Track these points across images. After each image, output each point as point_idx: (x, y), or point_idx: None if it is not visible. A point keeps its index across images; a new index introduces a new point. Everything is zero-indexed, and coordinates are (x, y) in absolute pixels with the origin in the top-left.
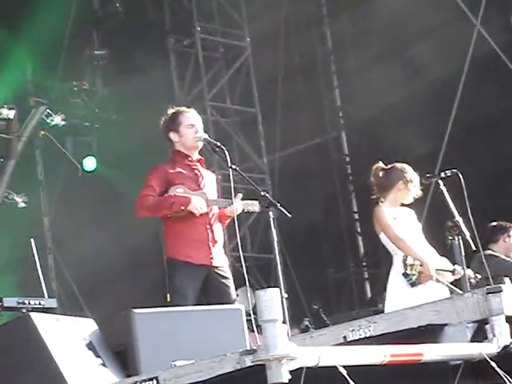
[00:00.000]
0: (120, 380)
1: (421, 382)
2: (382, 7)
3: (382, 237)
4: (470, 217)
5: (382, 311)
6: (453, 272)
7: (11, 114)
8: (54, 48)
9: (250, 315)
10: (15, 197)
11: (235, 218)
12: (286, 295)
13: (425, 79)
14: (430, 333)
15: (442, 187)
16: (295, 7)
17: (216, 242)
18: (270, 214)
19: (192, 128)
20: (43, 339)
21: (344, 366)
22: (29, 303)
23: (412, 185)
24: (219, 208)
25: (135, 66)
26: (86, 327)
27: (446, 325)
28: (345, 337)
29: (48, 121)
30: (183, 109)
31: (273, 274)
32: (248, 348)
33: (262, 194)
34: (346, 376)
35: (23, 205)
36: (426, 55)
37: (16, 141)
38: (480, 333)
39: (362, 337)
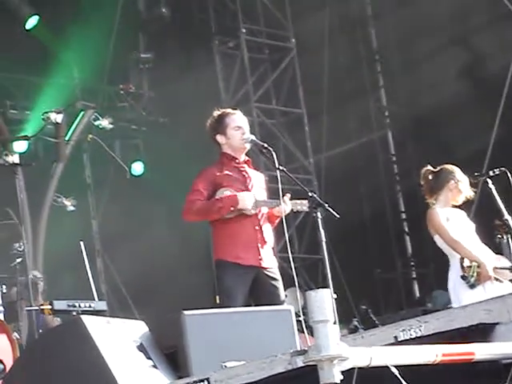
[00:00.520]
0: (171, 382)
1: (472, 382)
2: (426, 7)
3: (437, 239)
4: None
5: (431, 311)
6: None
7: (59, 118)
8: (100, 52)
9: (299, 316)
10: (64, 200)
11: (283, 219)
12: (334, 296)
13: (471, 78)
14: (481, 332)
15: (491, 186)
16: (339, 7)
17: (265, 242)
18: (318, 214)
19: (239, 130)
20: (94, 341)
21: (395, 366)
22: (79, 306)
23: (463, 185)
24: (268, 209)
25: (181, 69)
26: (137, 329)
27: (497, 323)
28: (395, 337)
29: (96, 124)
30: (229, 111)
31: (320, 274)
32: (298, 349)
33: (310, 194)
34: (398, 376)
35: (72, 208)
36: (472, 54)
37: (64, 144)
38: None
39: (413, 336)
